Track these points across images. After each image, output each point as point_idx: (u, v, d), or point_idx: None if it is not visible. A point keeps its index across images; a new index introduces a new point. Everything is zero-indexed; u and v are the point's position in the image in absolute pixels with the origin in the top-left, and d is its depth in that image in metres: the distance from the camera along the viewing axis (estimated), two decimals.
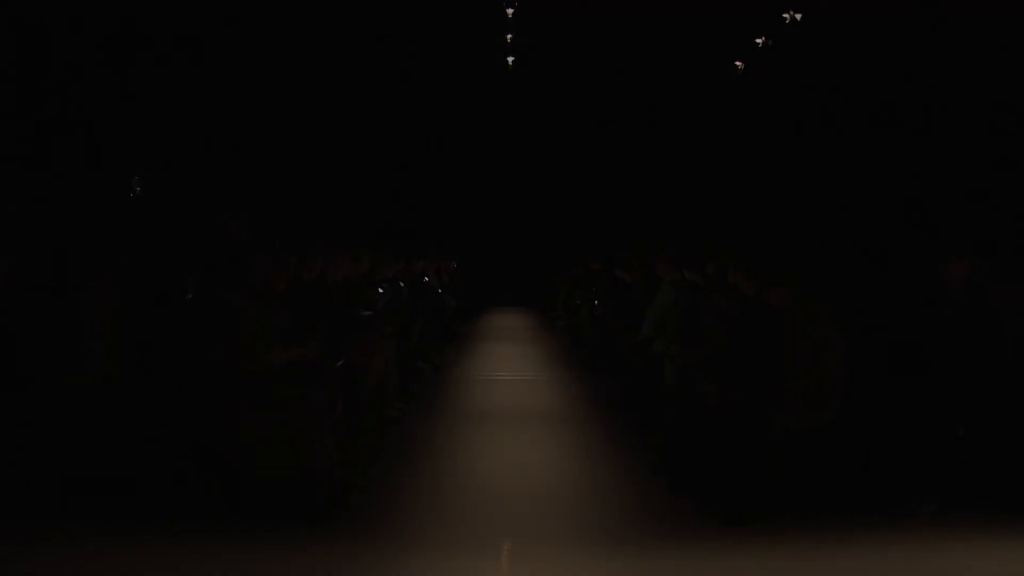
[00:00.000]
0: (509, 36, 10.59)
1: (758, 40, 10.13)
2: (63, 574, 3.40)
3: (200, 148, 7.80)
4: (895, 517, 4.03)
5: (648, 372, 5.88)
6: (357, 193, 12.68)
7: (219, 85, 8.05)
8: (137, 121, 6.82)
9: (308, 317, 5.00)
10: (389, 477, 4.83)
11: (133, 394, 4.16)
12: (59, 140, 5.88)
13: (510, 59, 11.37)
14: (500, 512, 4.19)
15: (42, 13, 5.91)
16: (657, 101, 12.98)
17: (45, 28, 6.04)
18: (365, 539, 3.81)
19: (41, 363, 4.06)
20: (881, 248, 5.37)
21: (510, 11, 9.70)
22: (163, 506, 4.00)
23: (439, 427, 6.07)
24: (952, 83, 7.91)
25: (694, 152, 13.21)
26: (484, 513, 4.18)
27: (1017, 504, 4.08)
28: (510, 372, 8.67)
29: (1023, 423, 4.24)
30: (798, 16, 9.12)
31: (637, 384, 6.31)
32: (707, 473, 4.32)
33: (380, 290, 7.02)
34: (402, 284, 8.52)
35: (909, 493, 4.11)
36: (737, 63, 11.04)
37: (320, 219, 9.55)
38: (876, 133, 9.02)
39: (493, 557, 3.72)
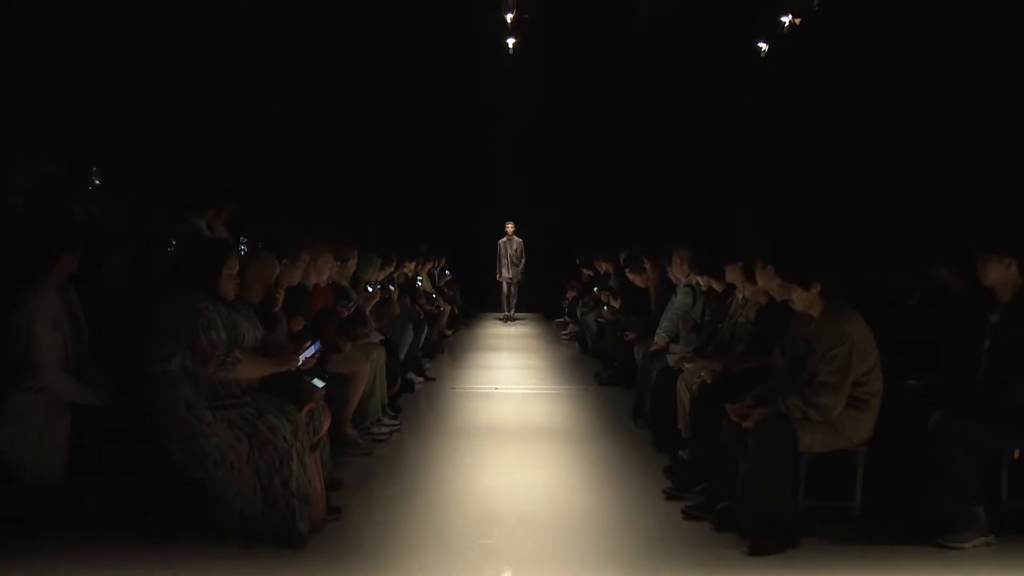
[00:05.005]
0: (509, 16, 10.64)
1: (784, 19, 10.08)
2: None
3: (169, 135, 7.76)
4: (939, 548, 3.98)
5: (661, 385, 5.88)
6: (346, 189, 12.65)
7: (194, 67, 8.03)
8: (96, 103, 6.78)
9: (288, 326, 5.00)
10: (377, 500, 4.82)
11: (89, 410, 4.11)
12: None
13: (510, 42, 11.44)
14: (498, 538, 4.17)
15: None
16: (670, 87, 12.95)
17: None
18: (350, 567, 3.80)
19: None
20: (919, 250, 5.31)
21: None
22: (129, 531, 3.98)
23: (432, 445, 6.06)
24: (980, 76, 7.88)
25: (709, 144, 13.17)
26: (481, 539, 4.16)
27: None
28: (510, 385, 8.63)
29: None
30: None
31: (650, 398, 6.27)
32: (728, 497, 4.31)
33: (368, 288, 7.00)
34: (392, 287, 8.50)
35: (956, 522, 4.04)
36: (761, 44, 11.00)
37: (305, 217, 9.49)
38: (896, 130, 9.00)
39: None
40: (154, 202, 6.04)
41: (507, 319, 14.93)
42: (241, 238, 6.38)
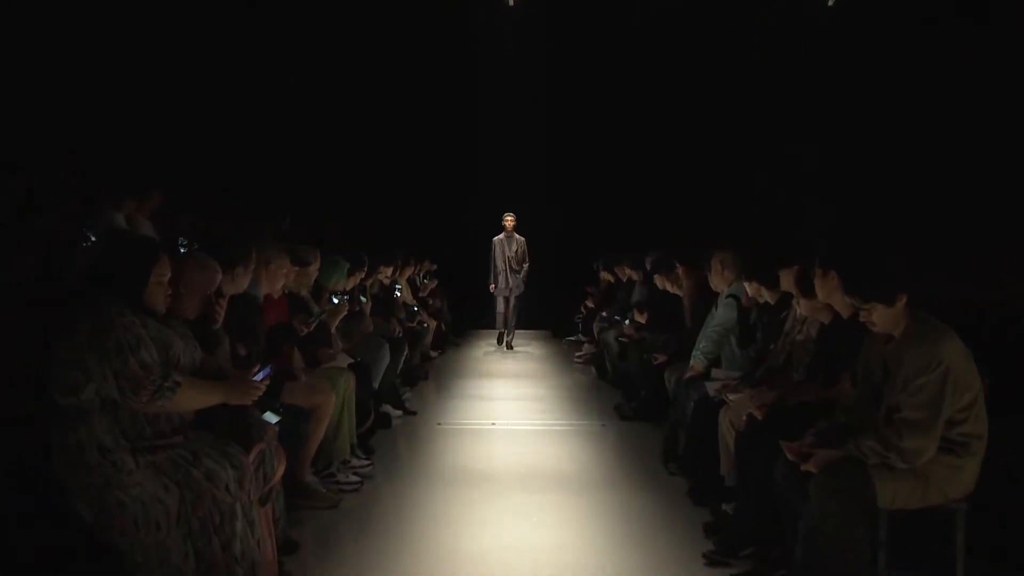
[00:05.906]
0: None
1: None
2: None
3: (76, 105, 7.71)
4: None
5: (700, 420, 5.88)
6: (306, 176, 12.66)
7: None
8: None
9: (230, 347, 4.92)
10: (344, 564, 4.79)
11: None
12: None
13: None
14: None
15: None
16: (708, 53, 13.02)
17: None
18: None
19: None
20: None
21: None
22: None
23: (413, 495, 6.06)
24: None
25: (758, 124, 13.19)
26: None
27: None
28: (510, 419, 8.64)
29: None
30: None
31: (685, 437, 6.26)
32: (785, 563, 4.29)
33: (334, 300, 7.05)
34: (364, 299, 8.44)
35: None
36: None
37: (255, 211, 9.44)
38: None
39: None
40: (58, 190, 5.94)
41: (503, 344, 13.94)
42: (181, 239, 6.31)
